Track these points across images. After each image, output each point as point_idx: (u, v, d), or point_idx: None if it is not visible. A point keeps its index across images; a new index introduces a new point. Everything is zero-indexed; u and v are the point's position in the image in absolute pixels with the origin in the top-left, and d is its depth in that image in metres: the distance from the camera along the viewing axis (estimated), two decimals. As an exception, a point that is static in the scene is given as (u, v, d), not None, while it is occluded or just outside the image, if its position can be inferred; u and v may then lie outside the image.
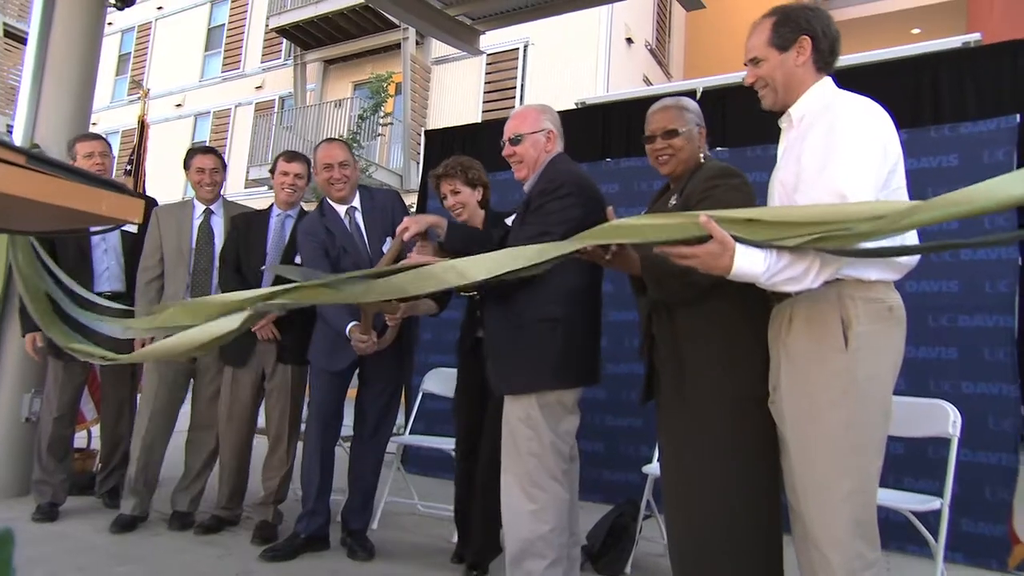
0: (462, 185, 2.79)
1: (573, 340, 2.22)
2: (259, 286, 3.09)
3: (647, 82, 13.38)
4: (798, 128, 1.73)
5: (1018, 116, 3.29)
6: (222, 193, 3.47)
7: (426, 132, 5.72)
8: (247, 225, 3.24)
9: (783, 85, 1.76)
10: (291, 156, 3.28)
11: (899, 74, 3.77)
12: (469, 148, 4.62)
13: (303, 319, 3.15)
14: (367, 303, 2.51)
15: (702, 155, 2.05)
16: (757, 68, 1.79)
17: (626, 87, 11.66)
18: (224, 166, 3.45)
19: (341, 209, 3.03)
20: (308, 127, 13.74)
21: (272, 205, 3.31)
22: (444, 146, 5.07)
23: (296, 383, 3.20)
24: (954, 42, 4.15)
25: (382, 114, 12.66)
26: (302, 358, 3.14)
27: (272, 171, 3.31)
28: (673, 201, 1.99)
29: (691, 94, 3.98)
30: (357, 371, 3.07)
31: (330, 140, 3.14)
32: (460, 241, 2.29)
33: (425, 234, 2.32)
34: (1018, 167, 3.20)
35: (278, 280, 2.83)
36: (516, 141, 2.40)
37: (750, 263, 1.48)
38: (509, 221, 2.58)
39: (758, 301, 1.76)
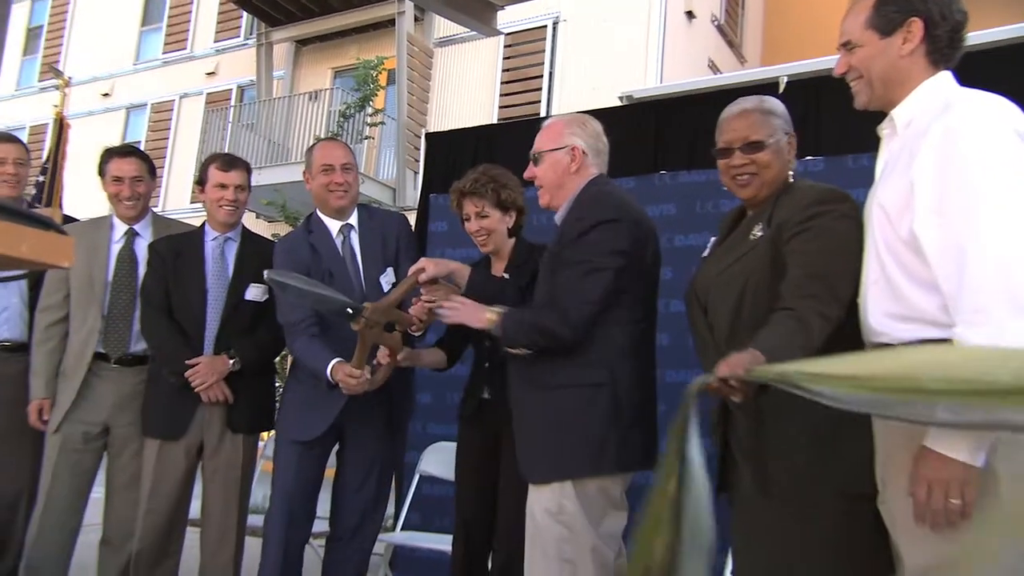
0: (491, 207, 2.83)
1: (622, 411, 2.24)
2: (197, 330, 3.12)
3: (713, 68, 13.50)
4: (903, 136, 1.75)
5: None
6: (152, 208, 3.47)
7: (427, 135, 5.80)
8: (174, 253, 3.19)
9: (881, 79, 1.78)
10: (228, 162, 3.24)
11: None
12: (482, 155, 4.67)
13: (259, 376, 3.19)
14: (368, 333, 2.61)
15: (791, 172, 2.08)
16: (850, 55, 1.82)
17: (686, 76, 11.75)
18: (152, 172, 3.42)
19: (334, 226, 3.10)
20: (275, 126, 13.91)
21: (204, 225, 3.29)
22: (450, 152, 5.12)
23: (247, 459, 3.21)
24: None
25: (370, 110, 12.75)
26: (256, 424, 3.17)
27: (201, 183, 3.26)
28: (758, 232, 2.01)
29: (772, 86, 4.02)
30: (335, 448, 3.08)
31: (330, 139, 3.22)
32: (484, 297, 2.43)
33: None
34: None
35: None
36: (536, 161, 2.50)
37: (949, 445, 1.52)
38: None
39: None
